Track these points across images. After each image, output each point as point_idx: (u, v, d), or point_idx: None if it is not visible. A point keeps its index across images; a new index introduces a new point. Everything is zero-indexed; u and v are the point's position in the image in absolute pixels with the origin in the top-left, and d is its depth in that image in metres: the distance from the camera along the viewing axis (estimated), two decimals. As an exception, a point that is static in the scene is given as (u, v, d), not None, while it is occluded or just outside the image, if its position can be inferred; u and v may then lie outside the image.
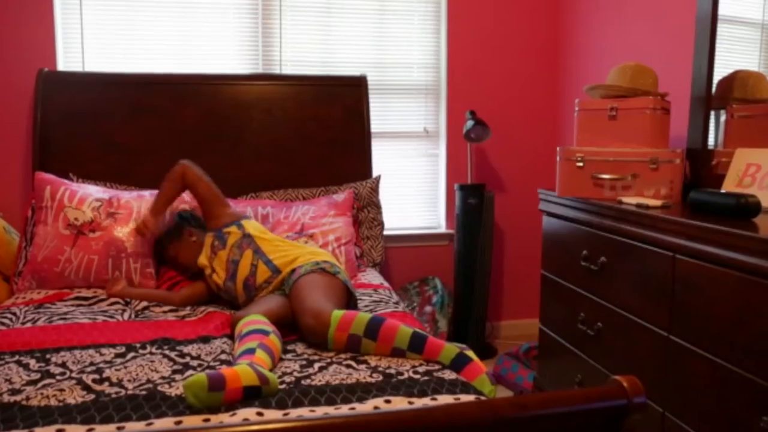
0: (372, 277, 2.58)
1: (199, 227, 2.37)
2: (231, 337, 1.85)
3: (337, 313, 1.74)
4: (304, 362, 1.67)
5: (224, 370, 1.40)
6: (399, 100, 3.36)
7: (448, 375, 1.60)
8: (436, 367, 1.66)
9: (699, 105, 2.20)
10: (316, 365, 1.65)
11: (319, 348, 1.79)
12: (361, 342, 1.71)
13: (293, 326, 1.90)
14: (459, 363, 1.67)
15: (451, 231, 3.39)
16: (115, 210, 2.44)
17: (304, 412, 1.38)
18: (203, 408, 1.36)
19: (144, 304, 2.20)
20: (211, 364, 1.64)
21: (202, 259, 2.24)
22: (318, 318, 1.75)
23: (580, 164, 2.19)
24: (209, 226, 2.29)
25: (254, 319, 1.74)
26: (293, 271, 2.05)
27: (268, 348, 1.61)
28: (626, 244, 1.92)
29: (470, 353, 1.70)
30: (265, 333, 1.67)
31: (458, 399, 1.47)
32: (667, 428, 1.75)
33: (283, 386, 1.50)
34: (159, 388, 1.48)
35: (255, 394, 1.41)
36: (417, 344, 1.69)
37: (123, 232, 2.40)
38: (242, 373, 1.40)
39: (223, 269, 2.17)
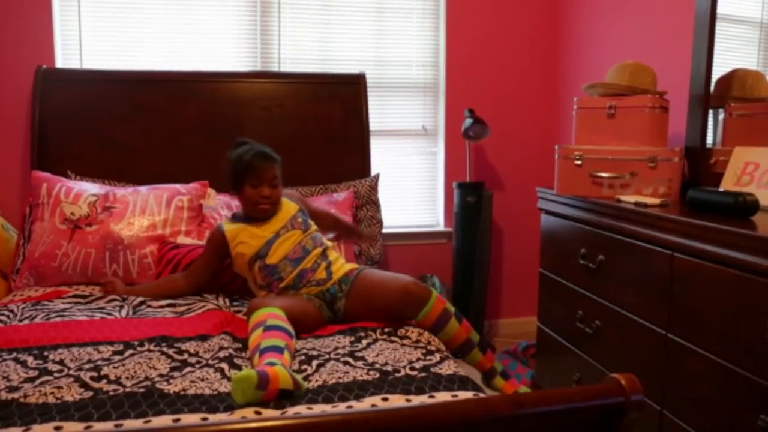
0: (370, 275, 2.57)
1: None
2: (230, 333, 1.84)
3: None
4: (302, 358, 1.68)
5: (269, 368, 1.43)
6: (398, 98, 3.36)
7: (446, 371, 1.60)
8: (434, 361, 1.66)
9: (697, 103, 2.20)
10: (314, 362, 1.65)
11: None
12: (449, 320, 1.90)
13: (300, 329, 1.89)
14: (505, 374, 2.01)
15: (449, 229, 3.39)
16: (111, 204, 2.45)
17: (301, 409, 1.38)
18: (243, 404, 1.39)
19: (140, 299, 2.15)
20: (210, 362, 1.64)
21: (279, 221, 2.11)
22: (421, 284, 1.92)
23: (579, 162, 2.19)
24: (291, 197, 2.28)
25: (278, 314, 1.76)
26: (347, 272, 2.08)
27: (291, 352, 1.66)
28: (625, 243, 1.92)
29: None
30: (291, 336, 1.71)
31: (456, 396, 1.47)
32: (665, 426, 1.76)
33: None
34: (157, 385, 1.48)
35: (286, 396, 1.44)
36: (483, 346, 1.97)
37: (119, 225, 2.40)
38: (281, 375, 1.44)
39: (288, 248, 2.08)
